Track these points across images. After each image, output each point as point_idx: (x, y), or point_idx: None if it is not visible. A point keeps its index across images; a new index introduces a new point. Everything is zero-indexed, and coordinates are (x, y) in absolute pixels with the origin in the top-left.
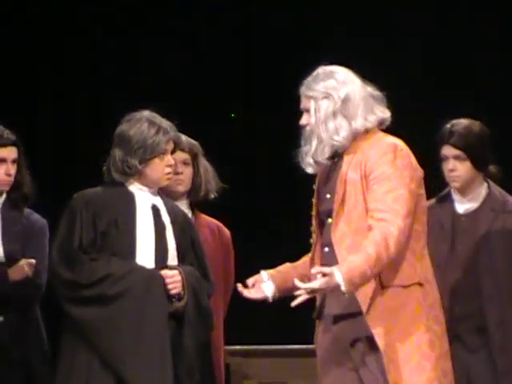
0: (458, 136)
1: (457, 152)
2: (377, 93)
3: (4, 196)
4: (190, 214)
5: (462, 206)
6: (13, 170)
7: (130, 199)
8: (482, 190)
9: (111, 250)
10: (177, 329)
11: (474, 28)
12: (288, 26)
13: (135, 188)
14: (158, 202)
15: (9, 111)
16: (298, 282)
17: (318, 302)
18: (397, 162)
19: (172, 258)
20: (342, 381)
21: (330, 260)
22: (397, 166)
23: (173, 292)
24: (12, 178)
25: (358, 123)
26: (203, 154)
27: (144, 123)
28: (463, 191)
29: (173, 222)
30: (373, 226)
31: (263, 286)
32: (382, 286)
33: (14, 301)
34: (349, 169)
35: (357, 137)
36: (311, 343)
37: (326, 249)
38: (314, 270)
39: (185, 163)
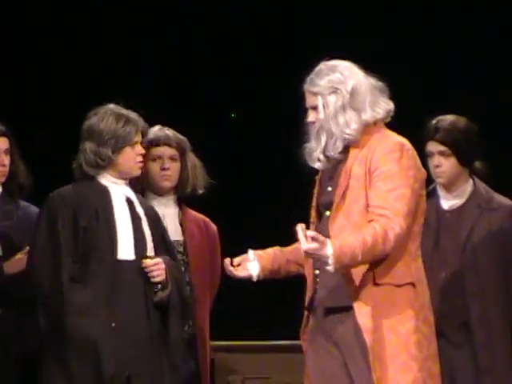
0: (444, 132)
1: (442, 148)
2: (380, 84)
3: (0, 188)
4: (177, 210)
5: (448, 202)
6: (6, 160)
7: (104, 192)
8: (467, 187)
9: (93, 244)
10: (163, 319)
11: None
12: (288, 25)
13: (108, 181)
14: (131, 194)
15: (6, 102)
16: (299, 229)
17: (309, 294)
18: (403, 161)
19: (150, 249)
20: (332, 376)
21: None
22: (402, 165)
23: (157, 279)
24: (6, 169)
25: (368, 115)
26: (191, 149)
27: (111, 115)
28: (448, 187)
29: (146, 214)
30: (373, 220)
31: (249, 265)
32: (375, 284)
33: (12, 295)
34: (354, 163)
35: (366, 129)
36: (295, 339)
37: None
38: (310, 233)
39: (172, 159)
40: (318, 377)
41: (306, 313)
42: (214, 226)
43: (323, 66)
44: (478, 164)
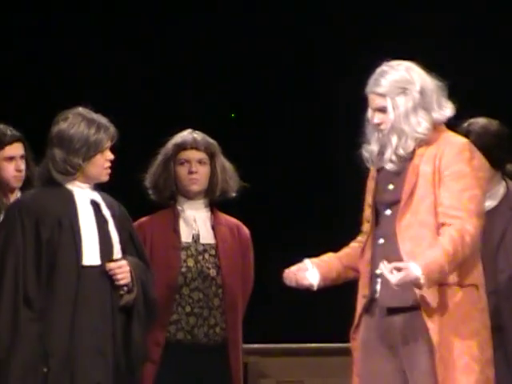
0: (475, 135)
1: None
2: (440, 83)
3: (18, 194)
4: (208, 213)
5: None
6: (22, 165)
7: (69, 197)
8: (500, 189)
9: (57, 253)
10: (126, 321)
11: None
12: (288, 25)
13: (73, 186)
14: (97, 197)
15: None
16: (383, 267)
17: (364, 293)
18: (473, 162)
19: (117, 252)
20: (385, 380)
21: (383, 252)
22: (473, 165)
23: (122, 282)
24: (23, 174)
25: (437, 114)
26: (221, 152)
27: (82, 121)
28: None
29: (112, 216)
30: (447, 223)
31: (308, 274)
32: (440, 283)
33: None
34: (421, 161)
35: (435, 128)
36: (328, 342)
37: (381, 240)
38: (385, 268)
39: (200, 162)
40: (369, 379)
41: (359, 312)
42: (246, 230)
43: (386, 66)
44: (510, 166)
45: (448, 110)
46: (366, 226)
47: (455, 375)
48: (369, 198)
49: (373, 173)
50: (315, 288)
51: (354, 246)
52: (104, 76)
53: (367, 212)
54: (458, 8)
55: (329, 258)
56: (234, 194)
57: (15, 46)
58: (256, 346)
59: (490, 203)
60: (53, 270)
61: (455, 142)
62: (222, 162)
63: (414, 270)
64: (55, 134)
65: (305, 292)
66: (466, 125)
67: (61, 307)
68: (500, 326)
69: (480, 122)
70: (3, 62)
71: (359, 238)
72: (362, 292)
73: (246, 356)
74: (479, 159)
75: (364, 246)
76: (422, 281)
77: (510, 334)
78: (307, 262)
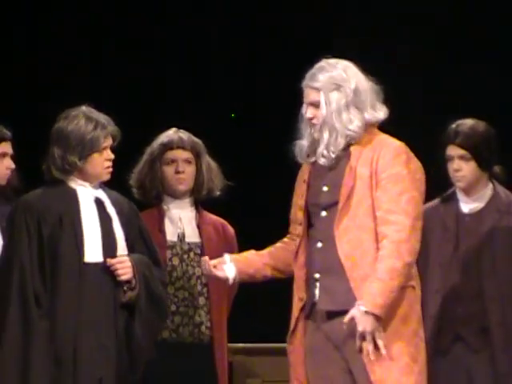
0: (464, 136)
1: (462, 152)
2: (376, 87)
3: None
4: (193, 212)
5: (467, 206)
6: (13, 165)
7: (72, 196)
8: (487, 190)
9: (58, 251)
10: (128, 318)
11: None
12: (288, 26)
13: (76, 184)
14: (101, 194)
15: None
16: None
17: (301, 296)
18: (410, 165)
19: (122, 249)
20: (333, 381)
21: (321, 256)
22: (410, 168)
23: (123, 278)
24: (9, 174)
25: (370, 115)
26: (207, 152)
27: (81, 119)
28: (468, 191)
29: (119, 213)
30: (384, 233)
31: (225, 267)
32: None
33: None
34: (358, 164)
35: (367, 129)
36: None
37: (319, 244)
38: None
39: (187, 161)
40: (318, 382)
41: (295, 316)
42: (231, 229)
43: (324, 62)
44: (497, 168)
45: (381, 112)
46: (298, 229)
47: (395, 375)
48: (299, 201)
49: (304, 176)
50: (230, 282)
51: (279, 246)
52: (104, 75)
53: (298, 215)
54: None
55: (249, 254)
56: (218, 193)
57: (15, 45)
58: (241, 345)
59: (476, 205)
60: (55, 267)
61: (391, 144)
62: (208, 160)
63: (357, 309)
64: (54, 132)
65: (291, 291)
66: (454, 126)
67: (64, 304)
68: (484, 328)
69: (468, 122)
70: (3, 61)
71: (285, 240)
72: (298, 295)
73: (231, 355)
74: (415, 161)
75: (297, 249)
76: (375, 313)
77: (495, 336)
78: (226, 256)
